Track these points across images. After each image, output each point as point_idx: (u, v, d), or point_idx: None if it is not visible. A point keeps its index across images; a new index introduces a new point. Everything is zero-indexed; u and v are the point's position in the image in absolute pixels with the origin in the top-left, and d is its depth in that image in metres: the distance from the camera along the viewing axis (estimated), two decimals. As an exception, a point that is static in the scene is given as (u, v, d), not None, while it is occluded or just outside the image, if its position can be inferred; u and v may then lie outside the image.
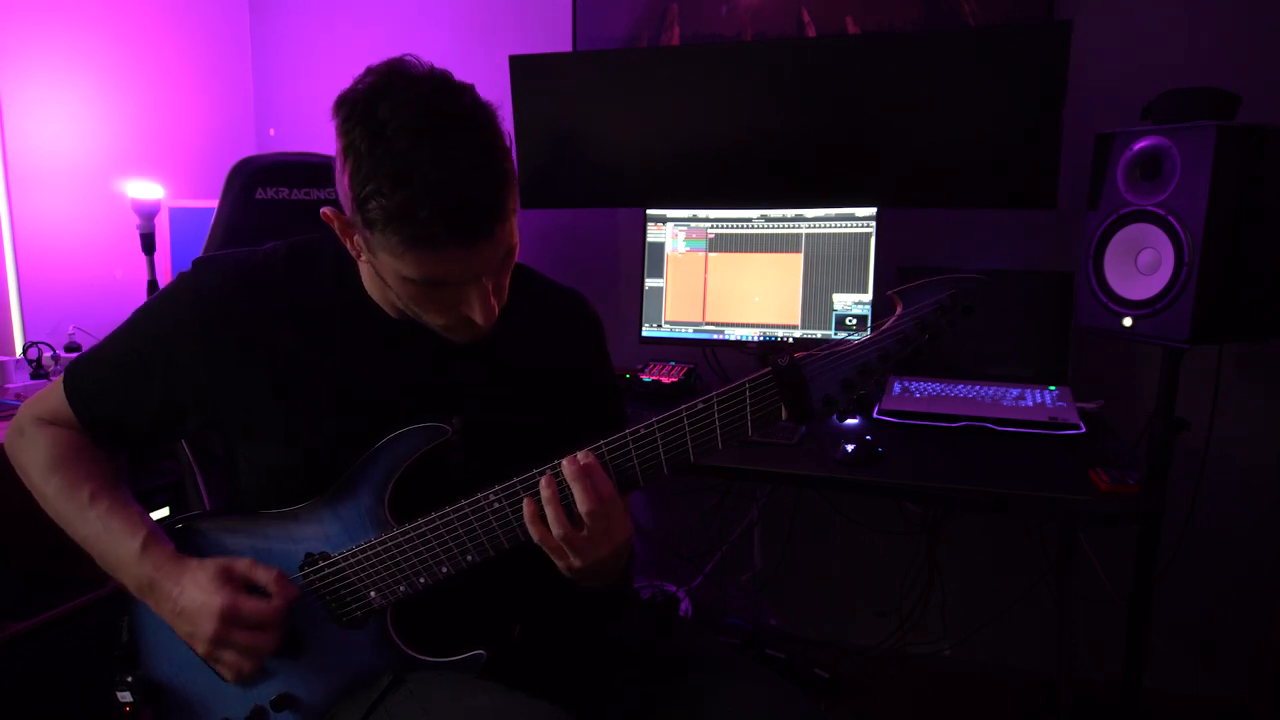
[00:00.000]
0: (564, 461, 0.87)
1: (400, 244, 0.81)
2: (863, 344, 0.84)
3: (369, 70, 0.83)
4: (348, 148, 0.81)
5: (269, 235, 1.04)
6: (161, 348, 0.96)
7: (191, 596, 0.91)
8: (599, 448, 0.89)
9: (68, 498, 0.97)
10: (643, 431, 0.88)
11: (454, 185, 0.79)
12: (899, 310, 0.85)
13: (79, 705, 1.68)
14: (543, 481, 0.88)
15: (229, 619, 0.89)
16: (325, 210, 0.89)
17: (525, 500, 0.88)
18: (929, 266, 1.97)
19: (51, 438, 1.00)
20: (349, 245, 0.91)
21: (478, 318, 0.90)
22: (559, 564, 0.91)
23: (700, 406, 0.86)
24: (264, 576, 0.93)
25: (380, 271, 0.89)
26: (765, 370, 0.85)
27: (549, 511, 0.87)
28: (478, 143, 0.81)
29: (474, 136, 0.81)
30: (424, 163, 0.78)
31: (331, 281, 0.99)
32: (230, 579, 0.92)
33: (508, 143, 0.86)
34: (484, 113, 0.84)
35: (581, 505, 0.86)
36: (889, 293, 0.87)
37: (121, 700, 1.01)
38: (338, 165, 0.84)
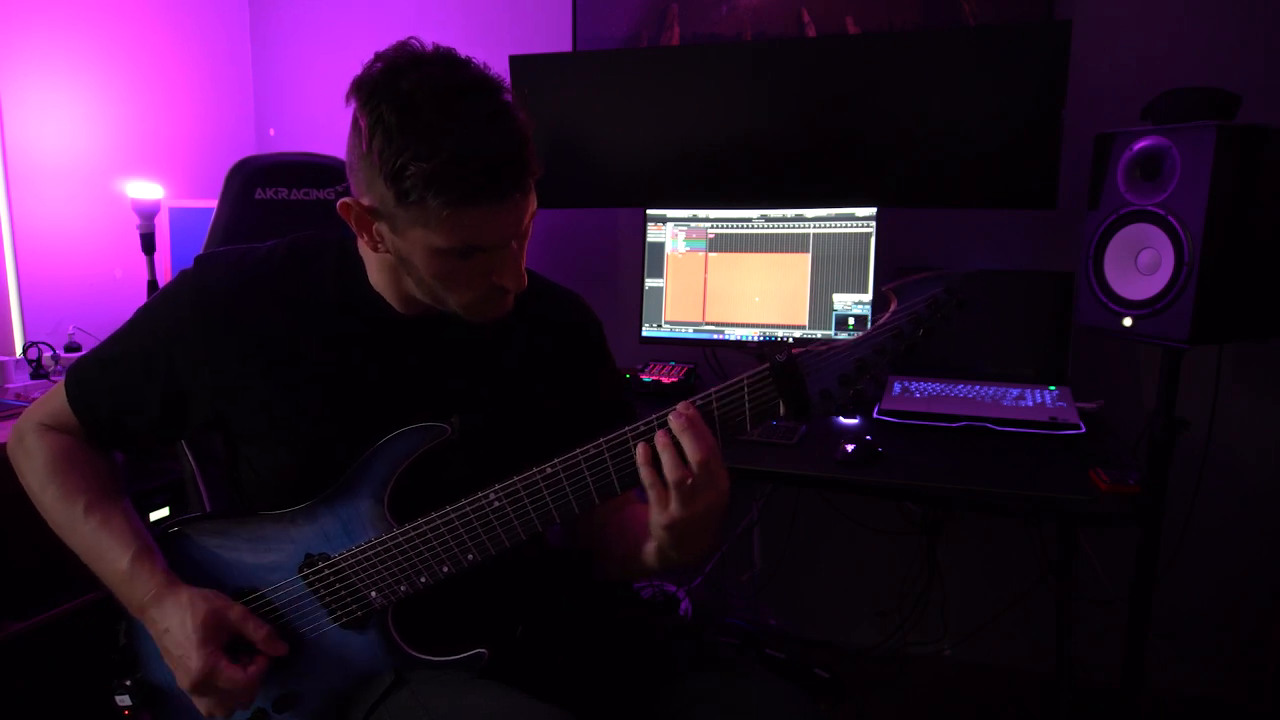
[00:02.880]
0: (670, 415, 0.86)
1: (441, 207, 0.82)
2: (859, 340, 0.85)
3: (378, 55, 0.85)
4: (374, 124, 0.82)
5: (268, 236, 1.04)
6: (163, 345, 0.96)
7: (176, 641, 0.91)
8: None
9: (64, 508, 0.97)
10: (643, 428, 0.88)
11: (490, 144, 0.81)
12: (893, 306, 0.87)
13: (79, 705, 1.68)
14: (658, 435, 0.86)
15: (205, 681, 0.90)
16: (344, 201, 0.89)
17: (639, 444, 0.86)
18: (929, 266, 1.96)
19: (50, 445, 0.99)
20: (366, 237, 0.91)
21: (509, 283, 0.91)
22: (658, 516, 0.87)
23: (700, 403, 0.87)
24: (254, 634, 0.93)
25: (406, 254, 0.89)
26: (764, 366, 0.86)
27: (665, 457, 0.85)
28: (501, 105, 0.84)
29: (496, 99, 0.84)
30: (458, 125, 0.80)
31: (333, 278, 0.99)
32: (217, 632, 0.91)
33: (523, 106, 0.88)
34: (496, 78, 0.86)
35: (693, 454, 0.84)
36: (883, 289, 0.88)
37: (120, 704, 1.01)
38: (359, 148, 0.84)
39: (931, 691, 2.12)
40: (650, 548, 0.92)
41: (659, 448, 0.85)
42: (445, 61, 0.84)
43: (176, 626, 0.91)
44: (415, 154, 0.80)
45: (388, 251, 0.91)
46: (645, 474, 0.86)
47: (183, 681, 0.92)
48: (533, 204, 0.90)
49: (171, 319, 0.96)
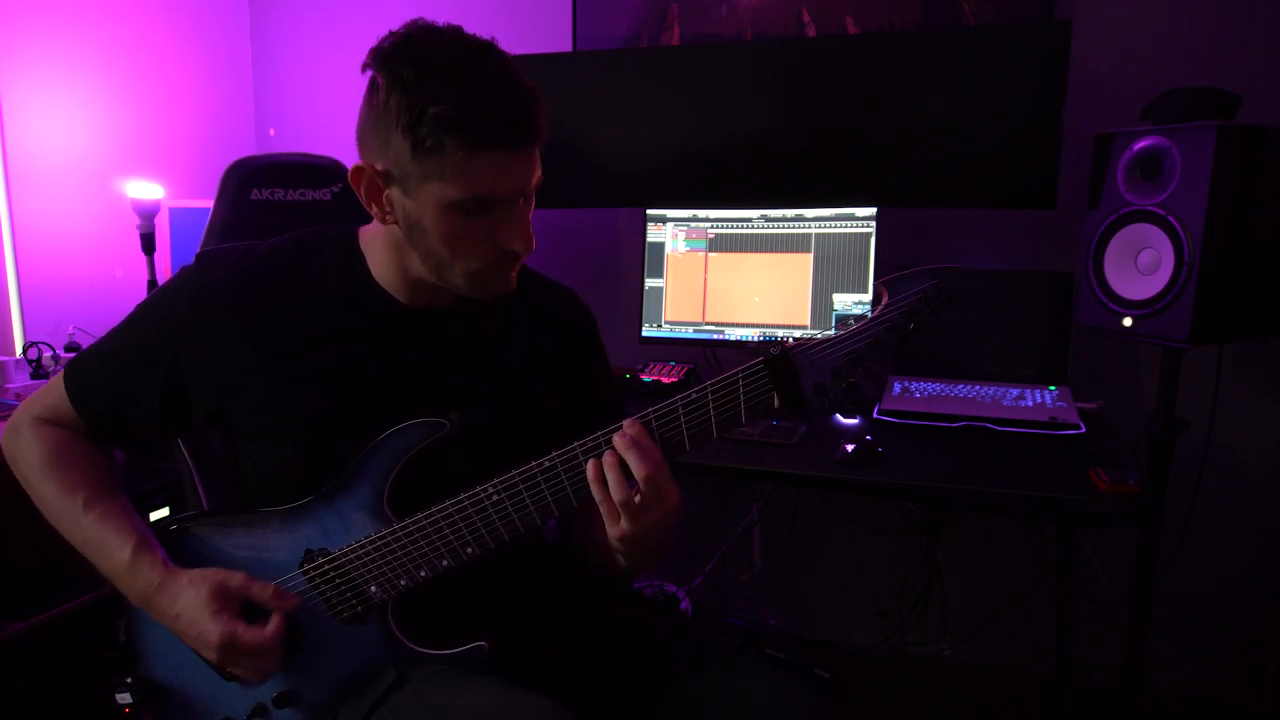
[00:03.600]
0: (615, 436, 0.88)
1: (457, 149, 0.83)
2: (852, 333, 0.87)
3: (391, 32, 0.87)
4: (392, 84, 0.84)
5: (264, 236, 1.03)
6: (165, 340, 0.96)
7: (190, 620, 0.91)
8: (597, 438, 0.89)
9: (62, 502, 0.97)
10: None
11: (507, 92, 0.85)
12: (885, 300, 0.88)
13: (79, 705, 1.68)
14: (606, 454, 0.88)
15: (227, 648, 0.90)
16: (356, 166, 0.90)
17: (590, 461, 0.88)
18: (929, 267, 1.97)
19: (48, 439, 0.99)
20: (376, 208, 0.92)
21: (517, 245, 0.91)
22: (610, 529, 0.89)
23: (694, 396, 0.87)
24: (260, 594, 0.93)
25: (416, 217, 0.90)
26: (758, 359, 0.87)
27: (610, 476, 0.87)
28: (512, 65, 0.87)
29: (508, 60, 0.87)
30: (474, 77, 0.83)
31: (337, 273, 0.99)
32: (225, 601, 0.91)
33: None
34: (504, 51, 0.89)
35: (638, 472, 0.86)
36: (876, 283, 0.89)
37: (121, 702, 1.01)
38: (376, 108, 0.86)
39: (931, 691, 2.12)
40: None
41: (605, 467, 0.87)
42: (456, 33, 0.87)
43: (186, 606, 0.91)
44: (435, 100, 0.82)
45: (396, 222, 0.92)
46: (595, 491, 0.88)
47: (209, 657, 0.92)
48: (539, 167, 0.92)
49: (174, 314, 0.97)
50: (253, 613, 0.93)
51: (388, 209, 0.91)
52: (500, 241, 0.91)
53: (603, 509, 0.88)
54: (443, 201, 0.87)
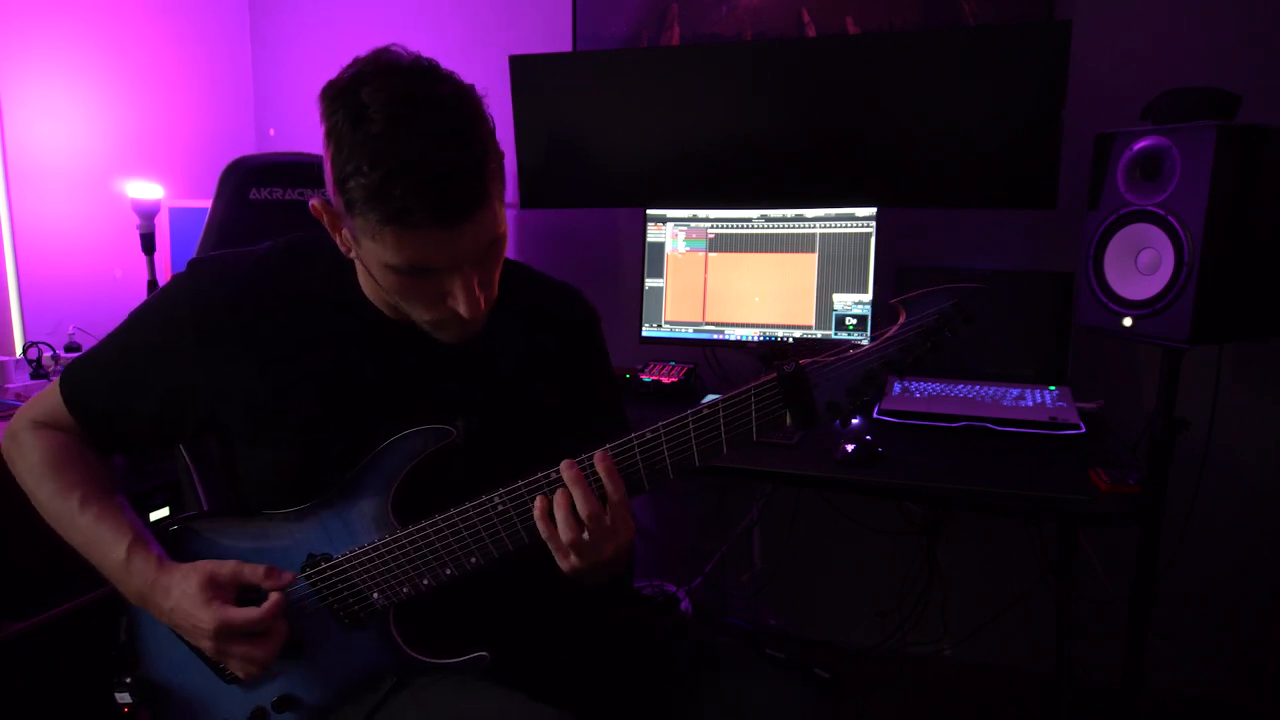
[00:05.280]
0: (562, 465, 0.88)
1: (379, 224, 0.80)
2: (868, 351, 0.85)
3: (355, 60, 0.83)
4: (330, 131, 0.81)
5: (263, 236, 1.03)
6: (159, 347, 0.96)
7: (184, 612, 0.91)
8: (604, 451, 0.88)
9: (59, 503, 0.97)
10: (649, 436, 0.88)
11: (432, 164, 0.78)
12: (902, 319, 0.87)
13: (79, 705, 1.67)
14: (558, 490, 0.88)
15: (223, 634, 0.90)
16: (313, 202, 0.88)
17: (538, 498, 0.88)
18: (928, 266, 1.97)
19: (45, 442, 0.99)
20: (338, 240, 0.90)
21: (462, 310, 0.88)
22: (560, 562, 0.90)
23: (706, 412, 0.86)
24: (252, 575, 0.92)
25: (366, 262, 0.88)
26: (770, 376, 0.85)
27: (557, 513, 0.87)
28: (458, 125, 0.81)
29: (454, 118, 0.81)
30: (403, 142, 0.78)
31: (327, 280, 0.98)
32: (217, 588, 0.91)
33: (494, 134, 0.86)
34: (467, 99, 0.83)
35: (581, 509, 0.86)
36: (892, 301, 0.89)
37: (120, 701, 1.01)
38: (324, 153, 0.83)
39: (931, 691, 2.12)
40: None
41: (554, 505, 0.88)
42: (418, 73, 0.82)
43: (179, 598, 0.91)
44: (357, 167, 0.79)
45: (358, 257, 0.90)
46: (542, 528, 0.88)
47: (206, 647, 0.91)
48: (492, 229, 0.86)
49: (169, 321, 0.96)
50: (249, 603, 0.93)
51: (348, 243, 0.89)
52: (449, 302, 0.88)
53: (550, 546, 0.89)
54: (380, 260, 0.84)
